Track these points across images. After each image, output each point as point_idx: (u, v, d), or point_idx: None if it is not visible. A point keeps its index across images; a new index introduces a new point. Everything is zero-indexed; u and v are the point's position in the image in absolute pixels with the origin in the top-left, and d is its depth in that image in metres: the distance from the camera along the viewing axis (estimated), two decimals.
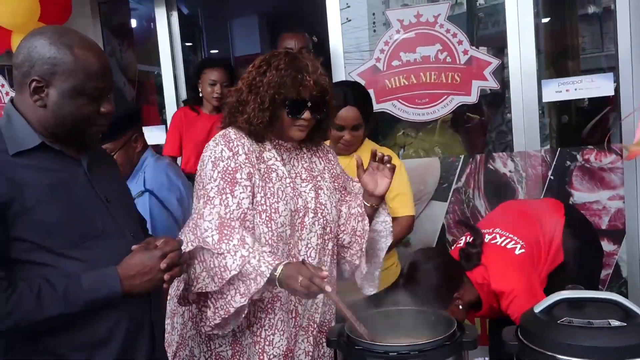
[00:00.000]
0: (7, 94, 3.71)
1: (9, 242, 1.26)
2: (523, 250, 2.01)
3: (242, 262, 1.48)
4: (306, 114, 1.65)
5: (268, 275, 1.46)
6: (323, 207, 1.73)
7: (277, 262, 1.49)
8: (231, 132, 1.68)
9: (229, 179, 1.60)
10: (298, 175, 1.74)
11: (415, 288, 1.83)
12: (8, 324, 1.21)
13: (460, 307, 1.93)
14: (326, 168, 1.82)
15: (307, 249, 1.70)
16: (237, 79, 2.99)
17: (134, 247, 1.40)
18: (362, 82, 2.99)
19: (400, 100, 2.98)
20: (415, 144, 3.23)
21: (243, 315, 1.59)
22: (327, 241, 1.75)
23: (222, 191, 1.59)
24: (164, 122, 3.68)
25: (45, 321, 1.25)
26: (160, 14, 3.46)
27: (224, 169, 1.61)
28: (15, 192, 1.25)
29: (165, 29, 3.45)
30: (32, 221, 1.27)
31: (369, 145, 2.35)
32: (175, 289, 1.80)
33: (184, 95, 3.51)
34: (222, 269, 1.51)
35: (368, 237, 1.77)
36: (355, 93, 2.26)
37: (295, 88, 1.63)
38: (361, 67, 3.02)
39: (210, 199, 1.60)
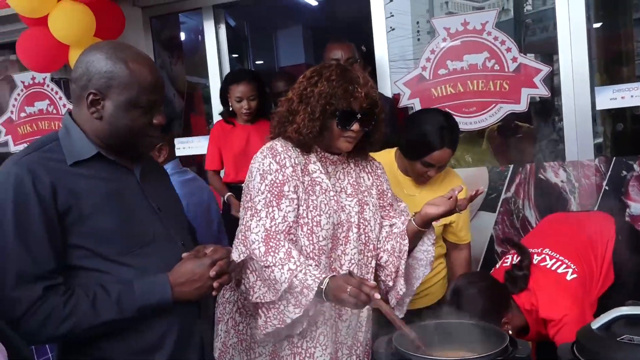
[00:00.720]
0: (64, 105, 3.87)
1: (67, 249, 1.30)
2: (575, 276, 1.89)
3: (290, 275, 1.50)
4: (355, 126, 1.65)
5: (315, 289, 1.47)
6: (367, 223, 1.73)
7: (323, 275, 1.49)
8: (278, 144, 1.69)
9: (276, 192, 1.62)
10: (343, 189, 1.73)
11: (461, 316, 1.78)
12: (65, 328, 1.26)
13: (510, 332, 1.85)
14: (374, 184, 1.80)
15: (349, 264, 1.69)
16: (269, 88, 3.05)
17: (184, 254, 1.42)
18: (408, 92, 2.98)
19: (446, 109, 2.92)
20: None
21: (301, 327, 1.60)
22: (369, 258, 1.74)
23: (269, 204, 1.61)
24: None
25: (99, 326, 1.29)
26: (209, 27, 3.53)
27: (272, 181, 1.63)
28: (73, 200, 1.29)
29: (213, 41, 3.53)
30: (88, 229, 1.31)
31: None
32: (221, 297, 1.82)
33: None
34: (274, 282, 1.53)
35: (406, 263, 1.75)
36: (452, 134, 2.11)
37: (346, 99, 1.63)
38: (407, 76, 2.99)
39: (257, 211, 1.62)
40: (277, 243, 1.56)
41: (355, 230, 1.69)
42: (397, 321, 1.43)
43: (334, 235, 1.66)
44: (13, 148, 4.05)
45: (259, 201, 1.63)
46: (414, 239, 1.74)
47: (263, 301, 1.58)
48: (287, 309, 1.53)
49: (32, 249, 1.25)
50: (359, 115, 1.65)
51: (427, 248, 1.76)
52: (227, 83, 3.04)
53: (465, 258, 2.33)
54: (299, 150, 1.70)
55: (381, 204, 1.81)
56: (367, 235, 1.73)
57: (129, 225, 1.37)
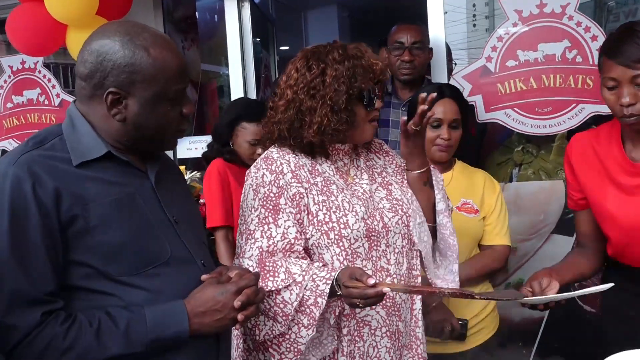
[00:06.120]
0: (57, 95, 3.93)
1: (68, 266, 1.30)
2: None
3: (300, 290, 1.53)
4: (378, 103, 1.71)
5: (328, 292, 1.52)
6: (401, 203, 1.76)
7: (332, 273, 1.55)
8: (274, 151, 1.72)
9: (271, 206, 1.64)
10: (364, 175, 1.78)
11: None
12: None
13: None
14: (387, 162, 1.86)
15: (395, 255, 1.72)
16: None
17: (203, 277, 1.42)
18: (468, 87, 2.94)
19: (515, 108, 2.89)
20: (535, 164, 3.11)
21: (334, 344, 1.64)
22: (412, 242, 1.77)
23: (263, 221, 1.64)
24: None
25: None
26: (231, 6, 3.54)
27: (265, 195, 1.65)
28: (79, 208, 1.29)
29: (236, 22, 3.53)
30: (94, 243, 1.31)
31: (462, 166, 2.44)
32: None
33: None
34: (282, 305, 1.55)
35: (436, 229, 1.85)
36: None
37: (368, 75, 1.67)
38: (468, 69, 2.95)
39: (251, 232, 1.65)
40: (274, 264, 1.59)
41: (390, 214, 1.72)
42: (424, 290, 1.58)
43: (370, 230, 1.67)
44: None
45: (252, 220, 1.66)
46: (421, 190, 1.79)
47: (272, 336, 1.59)
48: (300, 334, 1.55)
49: (30, 267, 1.25)
50: (377, 90, 1.71)
51: (444, 194, 1.84)
52: (236, 118, 2.74)
53: (491, 258, 2.38)
54: (302, 154, 1.72)
55: (403, 180, 1.85)
56: (406, 214, 1.76)
57: (142, 240, 1.37)
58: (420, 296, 1.78)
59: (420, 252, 1.78)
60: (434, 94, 1.71)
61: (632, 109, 1.66)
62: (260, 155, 2.63)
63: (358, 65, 1.66)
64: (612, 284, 1.64)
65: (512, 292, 1.65)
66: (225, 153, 2.77)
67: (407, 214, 1.76)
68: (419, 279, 1.79)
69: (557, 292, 1.74)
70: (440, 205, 1.82)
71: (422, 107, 1.64)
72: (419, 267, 1.80)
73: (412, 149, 1.76)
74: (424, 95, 1.65)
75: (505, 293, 1.73)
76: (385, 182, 1.80)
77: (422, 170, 1.79)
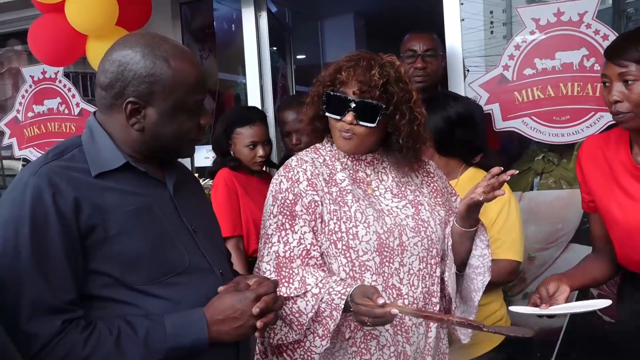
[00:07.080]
0: (77, 104, 3.98)
1: (88, 275, 1.32)
2: None
3: (316, 301, 1.55)
4: (348, 116, 1.66)
5: (343, 306, 1.53)
6: (426, 225, 1.73)
7: (347, 289, 1.55)
8: (294, 159, 1.75)
9: (287, 213, 1.67)
10: (389, 189, 1.76)
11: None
12: None
13: None
14: (424, 182, 1.83)
15: (409, 276, 1.69)
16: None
17: (220, 288, 1.43)
18: (485, 95, 2.93)
19: (533, 117, 2.88)
20: (556, 173, 3.09)
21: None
22: (433, 266, 1.74)
23: (280, 227, 1.66)
24: None
25: None
26: (248, 15, 3.58)
27: (282, 202, 1.68)
28: (98, 218, 1.32)
29: (253, 32, 3.57)
30: (114, 252, 1.33)
31: (474, 174, 2.33)
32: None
33: (270, 108, 3.58)
34: (297, 315, 1.57)
35: (464, 275, 1.81)
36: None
37: (333, 83, 1.69)
38: (485, 77, 2.95)
39: (269, 237, 1.68)
40: (290, 272, 1.61)
41: (411, 234, 1.70)
42: (434, 316, 1.60)
43: (382, 245, 1.66)
44: (18, 153, 4.19)
45: (270, 225, 1.69)
46: (463, 242, 1.77)
47: (286, 341, 1.61)
48: (314, 343, 1.57)
49: (51, 276, 1.27)
50: (352, 104, 1.65)
51: (482, 252, 1.79)
52: (231, 125, 2.84)
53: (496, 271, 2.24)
54: (322, 160, 1.75)
55: (438, 203, 1.82)
56: (429, 238, 1.73)
57: (160, 249, 1.39)
58: (435, 325, 1.75)
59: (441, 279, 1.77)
60: (515, 172, 1.67)
61: (618, 106, 1.66)
62: (261, 156, 2.79)
63: (332, 69, 1.71)
64: (609, 302, 1.65)
65: (521, 329, 1.62)
66: (229, 162, 2.83)
67: (429, 238, 1.73)
68: (437, 307, 1.75)
69: (569, 297, 1.75)
70: (473, 261, 1.79)
71: (501, 182, 1.64)
72: (438, 295, 1.75)
73: (471, 213, 1.72)
74: (499, 170, 1.65)
75: (514, 329, 1.72)
76: (416, 201, 1.77)
77: (470, 230, 1.76)
